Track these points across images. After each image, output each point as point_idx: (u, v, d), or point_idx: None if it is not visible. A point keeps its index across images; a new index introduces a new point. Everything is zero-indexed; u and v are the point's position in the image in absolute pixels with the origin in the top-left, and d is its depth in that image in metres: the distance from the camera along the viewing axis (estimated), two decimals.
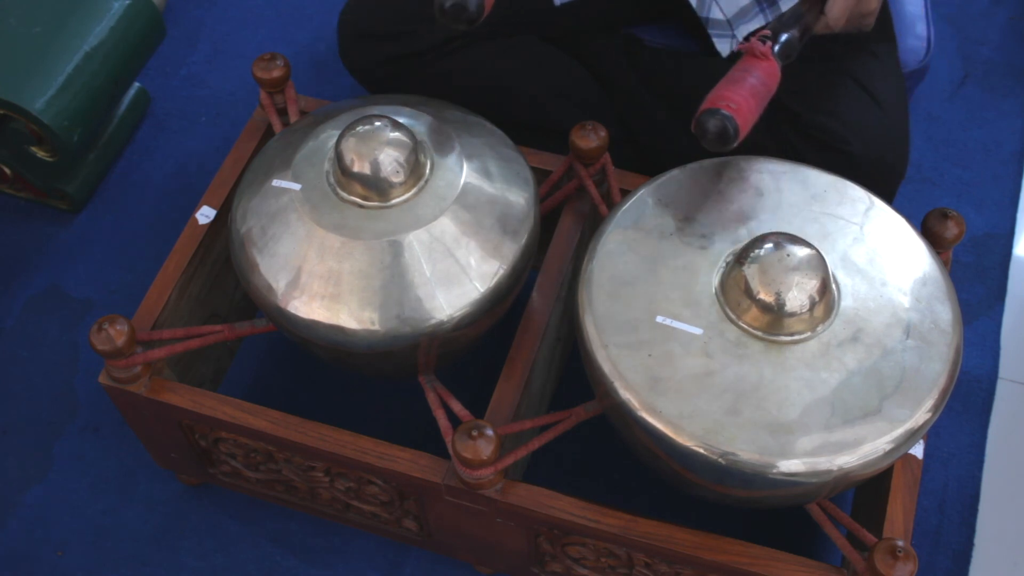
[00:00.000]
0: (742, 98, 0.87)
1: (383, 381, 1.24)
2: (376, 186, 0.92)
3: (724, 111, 0.86)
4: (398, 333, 0.92)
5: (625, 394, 0.85)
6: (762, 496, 0.89)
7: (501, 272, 0.95)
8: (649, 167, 1.10)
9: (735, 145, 0.87)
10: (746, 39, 0.92)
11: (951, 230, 1.00)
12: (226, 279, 1.16)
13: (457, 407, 0.98)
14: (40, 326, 1.31)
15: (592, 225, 1.11)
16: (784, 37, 0.92)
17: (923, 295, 0.88)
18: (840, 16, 0.96)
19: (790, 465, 0.81)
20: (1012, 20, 1.56)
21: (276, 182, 0.96)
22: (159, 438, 1.09)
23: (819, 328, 0.85)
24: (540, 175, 1.10)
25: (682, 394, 0.84)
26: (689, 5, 1.16)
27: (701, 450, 0.82)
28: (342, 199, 0.93)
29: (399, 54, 1.23)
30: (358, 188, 0.93)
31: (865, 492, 1.03)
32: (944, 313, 0.88)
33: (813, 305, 0.84)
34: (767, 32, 0.92)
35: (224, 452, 1.07)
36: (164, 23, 1.37)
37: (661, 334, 0.86)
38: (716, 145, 0.87)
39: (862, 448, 0.82)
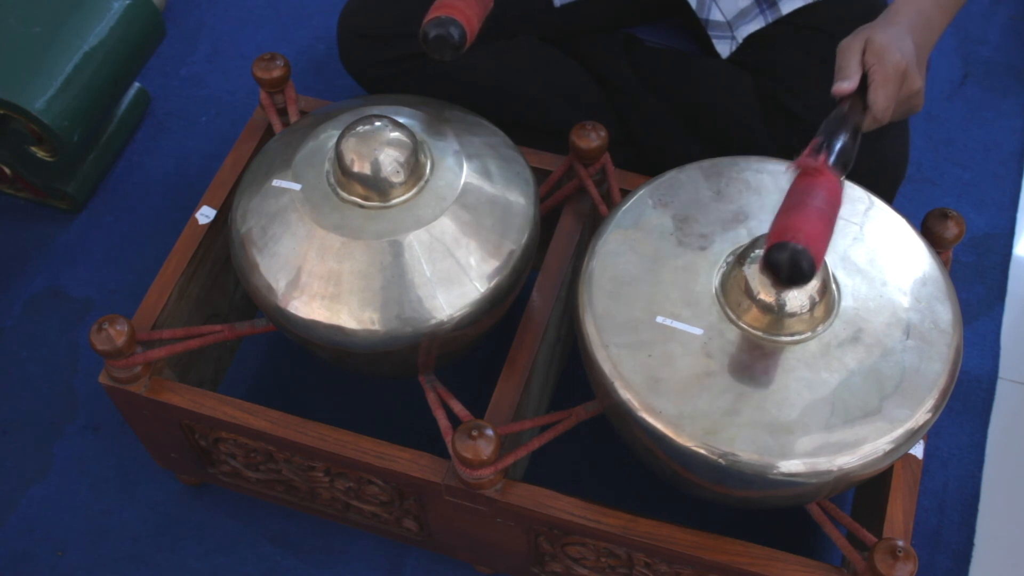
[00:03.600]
0: (810, 225, 0.76)
1: (383, 381, 1.24)
2: (376, 186, 0.92)
3: (793, 244, 0.75)
4: (398, 333, 0.92)
5: (625, 394, 0.85)
6: (762, 496, 0.89)
7: (501, 272, 0.95)
8: (649, 167, 1.10)
9: (811, 281, 0.79)
10: (796, 156, 0.82)
11: (951, 230, 1.00)
12: (226, 279, 1.16)
13: (457, 407, 0.98)
14: (40, 326, 1.31)
15: (592, 225, 1.11)
16: (838, 145, 0.83)
17: (923, 295, 0.88)
18: (886, 107, 0.88)
19: (790, 465, 0.81)
20: (1012, 20, 1.56)
21: (276, 182, 0.96)
22: (159, 438, 1.09)
23: (819, 328, 0.85)
24: (540, 175, 1.10)
25: (682, 394, 0.84)
26: (689, 6, 1.16)
27: (701, 450, 0.82)
28: (342, 199, 0.93)
29: (399, 55, 1.23)
30: (358, 188, 0.93)
31: (865, 492, 1.03)
32: (944, 313, 0.88)
33: (813, 305, 0.84)
34: (817, 141, 0.83)
35: (224, 452, 1.07)
36: (164, 23, 1.37)
37: (661, 334, 0.86)
38: (790, 283, 0.78)
39: (862, 448, 0.82)
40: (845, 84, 0.88)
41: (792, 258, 0.75)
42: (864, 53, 0.89)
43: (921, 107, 0.95)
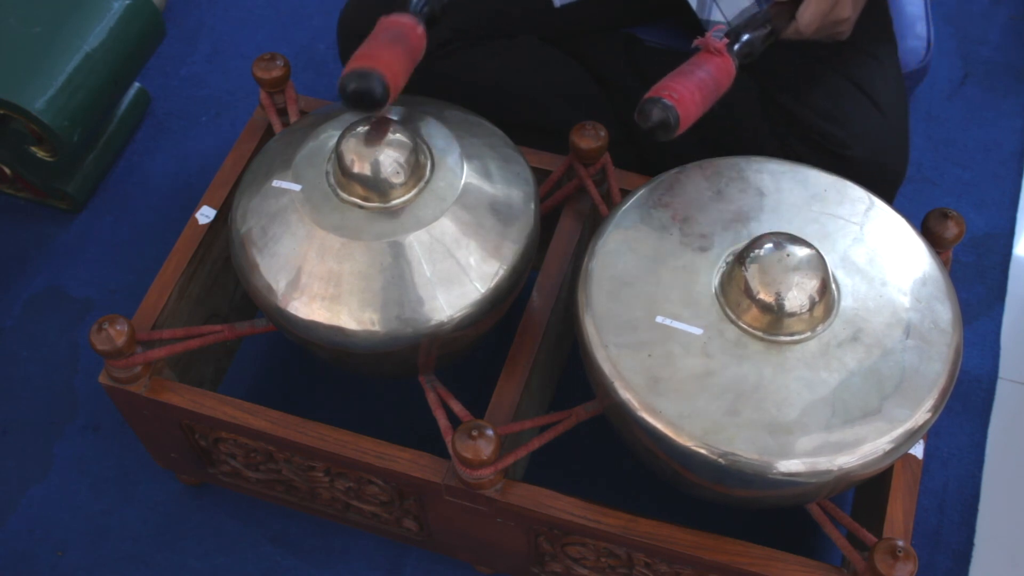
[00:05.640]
0: (687, 90, 0.87)
1: (383, 381, 1.24)
2: (376, 187, 0.92)
3: (666, 100, 0.86)
4: (398, 334, 0.92)
5: (625, 394, 0.85)
6: (762, 496, 0.89)
7: (501, 272, 0.95)
8: (649, 167, 1.10)
9: (675, 135, 0.88)
10: (702, 34, 0.91)
11: (951, 230, 1.00)
12: (226, 279, 1.16)
13: (457, 407, 0.98)
14: (40, 326, 1.31)
15: (592, 225, 1.11)
16: (746, 37, 0.92)
17: (923, 295, 0.88)
18: (811, 22, 0.95)
19: (790, 465, 0.81)
20: (1012, 20, 1.56)
21: (276, 182, 0.96)
22: (159, 438, 1.09)
23: (819, 328, 0.85)
24: (540, 175, 1.10)
25: (682, 394, 0.84)
26: (689, 6, 1.16)
27: (701, 450, 0.82)
28: (342, 200, 0.93)
29: None
30: (358, 189, 0.93)
31: (865, 492, 1.04)
32: (944, 313, 0.88)
33: (813, 305, 0.84)
34: (723, 27, 0.92)
35: (224, 452, 1.07)
36: (164, 23, 1.37)
37: (661, 334, 0.86)
38: (656, 134, 0.87)
39: (862, 448, 0.82)
40: None
41: (662, 113, 0.86)
42: None
43: (846, 36, 1.00)
